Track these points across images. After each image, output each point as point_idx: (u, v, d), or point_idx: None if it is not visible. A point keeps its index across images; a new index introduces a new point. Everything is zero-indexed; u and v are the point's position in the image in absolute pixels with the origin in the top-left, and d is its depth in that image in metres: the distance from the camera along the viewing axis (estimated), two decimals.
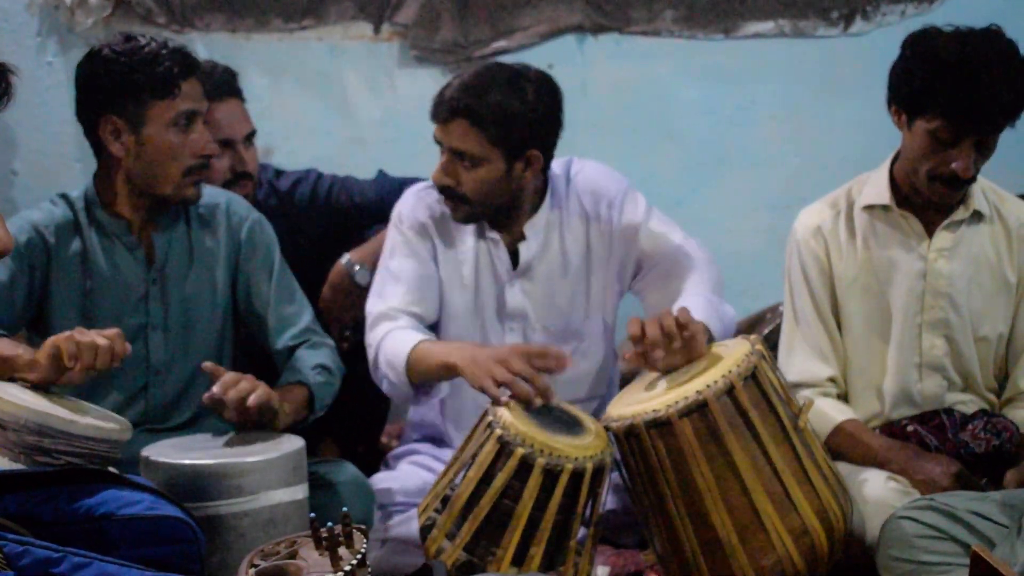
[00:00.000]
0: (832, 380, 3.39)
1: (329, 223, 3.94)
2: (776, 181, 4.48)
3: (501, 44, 4.44)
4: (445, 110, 3.33)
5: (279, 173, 4.03)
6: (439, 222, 3.51)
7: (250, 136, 3.84)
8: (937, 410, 3.32)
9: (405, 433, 3.71)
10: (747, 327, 4.14)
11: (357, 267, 3.75)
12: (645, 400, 2.97)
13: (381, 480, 3.40)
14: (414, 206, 3.52)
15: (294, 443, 2.98)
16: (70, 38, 4.47)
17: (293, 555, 2.22)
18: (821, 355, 3.38)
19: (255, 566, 2.21)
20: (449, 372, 3.18)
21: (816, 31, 4.51)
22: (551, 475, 2.81)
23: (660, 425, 2.88)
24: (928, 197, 3.28)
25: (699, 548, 2.90)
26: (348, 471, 3.23)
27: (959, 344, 3.34)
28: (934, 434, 3.26)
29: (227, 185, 3.69)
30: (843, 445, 3.27)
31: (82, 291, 3.26)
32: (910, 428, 3.30)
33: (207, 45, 4.44)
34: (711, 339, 3.17)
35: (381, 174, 4.05)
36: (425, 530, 2.92)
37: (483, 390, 3.00)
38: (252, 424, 3.03)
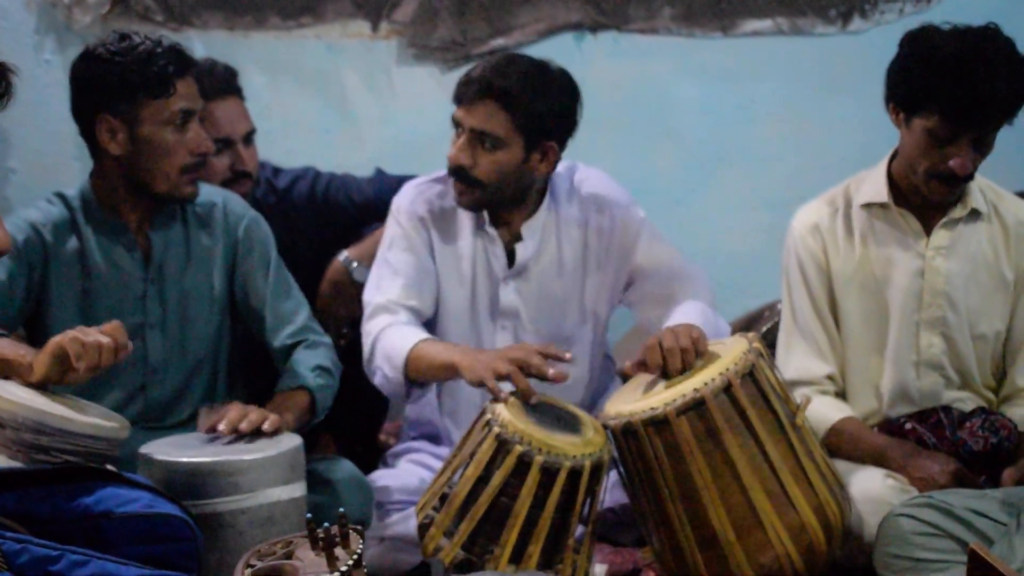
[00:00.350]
0: (830, 378, 3.39)
1: (327, 221, 3.94)
2: (774, 179, 4.48)
3: (499, 42, 4.44)
4: (474, 89, 3.33)
5: (277, 171, 4.03)
6: (438, 216, 3.51)
7: (250, 135, 3.84)
8: (935, 408, 3.32)
9: (403, 431, 3.72)
10: (745, 325, 4.14)
11: (355, 264, 3.75)
12: (643, 398, 2.97)
13: (379, 478, 3.41)
14: (413, 199, 3.53)
15: (292, 441, 2.99)
16: (68, 36, 4.48)
17: (289, 555, 2.23)
18: (819, 353, 3.39)
19: (251, 566, 2.22)
20: (450, 372, 3.19)
21: (814, 29, 4.52)
22: (549, 473, 2.81)
23: (658, 423, 2.88)
24: (926, 195, 3.29)
25: (697, 546, 2.91)
26: (346, 469, 3.23)
27: (957, 342, 3.34)
28: (932, 432, 3.27)
29: (226, 184, 3.69)
30: (841, 443, 3.27)
31: (80, 290, 3.26)
32: (908, 426, 3.30)
33: (205, 43, 4.44)
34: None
35: (379, 172, 4.05)
36: (423, 528, 2.92)
37: (482, 384, 3.01)
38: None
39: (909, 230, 3.35)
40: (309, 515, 2.33)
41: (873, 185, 3.39)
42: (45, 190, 3.40)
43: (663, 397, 2.91)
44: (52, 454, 2.65)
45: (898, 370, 3.35)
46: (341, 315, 3.77)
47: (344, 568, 2.15)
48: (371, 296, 3.47)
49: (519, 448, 2.81)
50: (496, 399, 2.96)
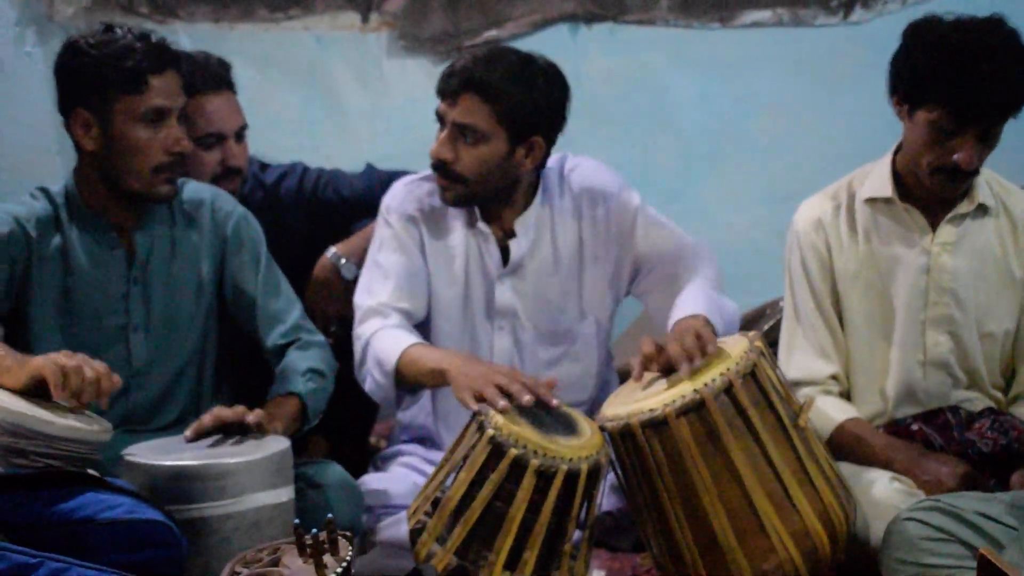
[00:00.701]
0: (834, 378, 3.36)
1: (316, 217, 3.91)
2: (775, 173, 4.48)
3: (492, 34, 4.43)
4: (456, 82, 3.31)
5: (265, 167, 4.00)
6: (429, 215, 3.49)
7: (241, 131, 3.81)
8: (942, 408, 3.30)
9: (394, 434, 3.70)
10: (746, 323, 4.12)
11: (343, 261, 3.72)
12: (641, 399, 2.94)
13: (370, 482, 3.38)
14: (404, 198, 3.51)
15: (279, 444, 2.95)
16: (50, 28, 4.44)
17: (276, 562, 2.20)
18: (822, 352, 3.36)
19: (237, 574, 2.19)
20: (439, 379, 3.16)
21: (815, 20, 4.51)
22: (545, 477, 2.78)
23: (656, 425, 2.85)
24: (931, 190, 3.26)
25: (697, 551, 2.88)
26: (335, 473, 3.19)
27: (964, 341, 3.31)
28: (939, 433, 3.24)
29: (215, 180, 3.66)
30: (846, 444, 3.24)
31: (62, 288, 3.22)
32: (915, 427, 3.27)
33: (191, 36, 4.42)
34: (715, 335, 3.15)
35: (369, 167, 4.02)
36: (415, 533, 2.88)
37: (462, 402, 2.98)
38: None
39: (914, 226, 3.33)
40: (297, 520, 2.30)
41: (877, 179, 3.36)
42: (25, 186, 3.37)
43: (662, 398, 2.88)
44: (31, 458, 2.63)
45: (904, 370, 3.32)
46: (329, 312, 3.74)
47: (333, 575, 2.12)
48: (362, 300, 3.44)
49: (514, 451, 2.77)
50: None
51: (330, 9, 4.50)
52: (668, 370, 3.02)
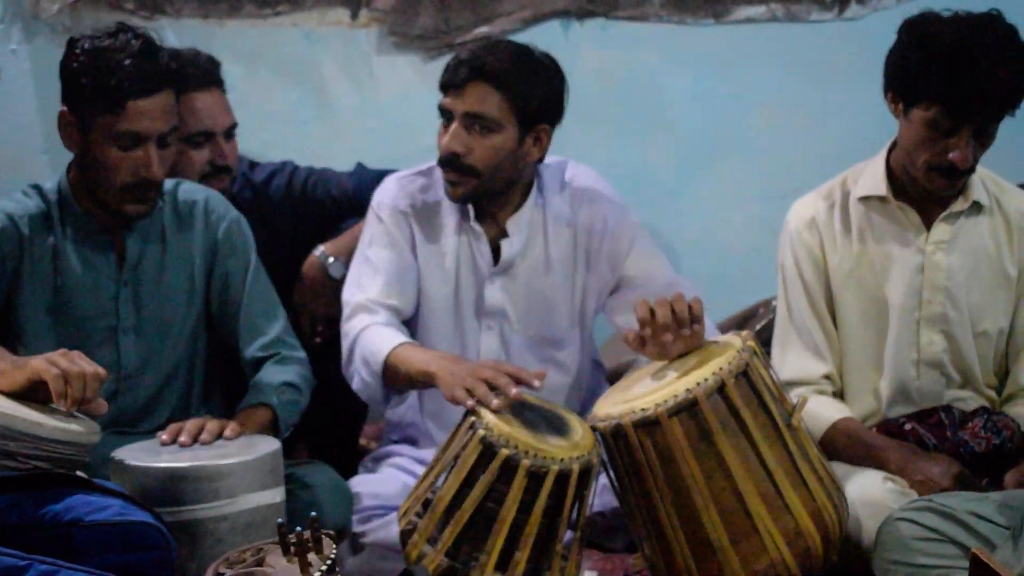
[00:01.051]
0: (827, 377, 3.39)
1: (305, 217, 3.93)
2: (769, 171, 4.48)
3: (483, 30, 4.44)
4: (465, 71, 3.33)
5: (253, 165, 4.02)
6: (420, 211, 3.50)
7: (231, 129, 3.83)
8: (936, 408, 3.32)
9: (384, 435, 3.71)
10: (739, 322, 4.15)
11: (331, 259, 3.74)
12: (633, 399, 2.97)
13: (359, 483, 3.39)
14: (395, 194, 3.52)
15: (271, 444, 3.00)
16: (35, 25, 4.45)
17: (260, 562, 2.23)
18: (816, 351, 3.39)
19: (221, 575, 2.21)
20: (426, 380, 3.18)
21: (810, 15, 4.51)
22: (536, 477, 2.80)
23: (648, 424, 2.88)
24: (925, 188, 3.29)
25: (689, 551, 2.90)
26: (325, 473, 3.23)
27: (958, 340, 3.35)
28: (933, 432, 3.27)
29: (204, 178, 3.68)
30: (839, 444, 3.27)
31: (52, 288, 3.24)
32: (908, 426, 3.30)
33: (178, 32, 4.42)
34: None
35: (359, 166, 4.04)
36: (405, 535, 2.91)
37: (454, 400, 2.99)
38: None
39: (909, 224, 3.35)
40: (281, 520, 2.33)
41: (871, 178, 3.39)
42: (12, 184, 3.39)
43: (654, 398, 2.91)
44: (20, 460, 2.64)
45: (898, 369, 3.35)
46: (317, 312, 3.76)
47: (318, 574, 2.15)
48: (350, 295, 3.46)
49: (505, 451, 2.80)
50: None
51: (319, 5, 4.50)
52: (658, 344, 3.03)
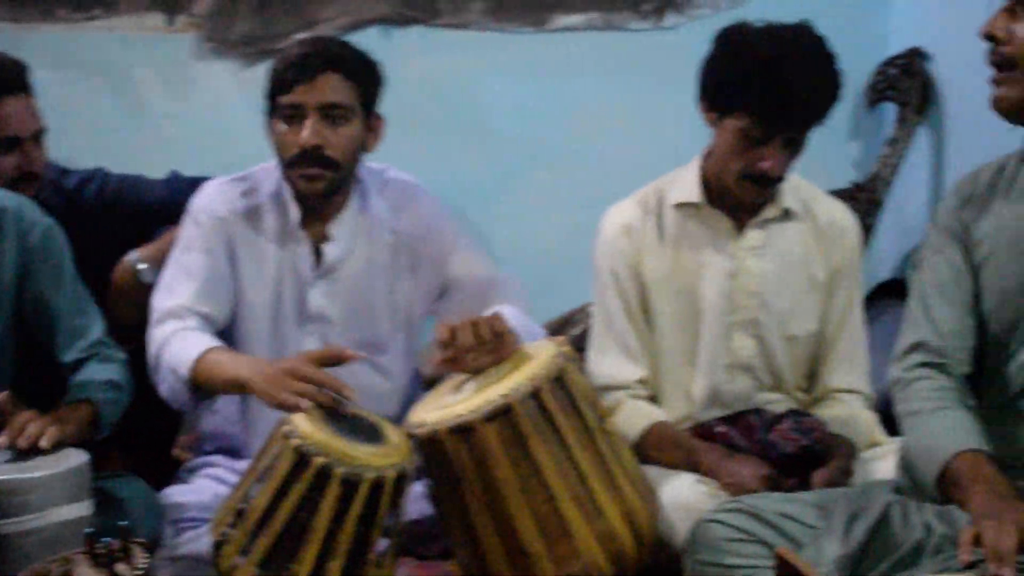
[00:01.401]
0: (642, 382, 3.45)
1: (118, 225, 3.88)
2: (588, 178, 4.53)
3: (303, 37, 4.42)
4: (317, 62, 3.32)
5: (65, 172, 3.96)
6: (240, 216, 3.47)
7: (38, 134, 3.78)
8: (747, 410, 3.39)
9: (199, 444, 3.68)
10: (556, 328, 4.19)
11: (142, 266, 3.71)
12: (448, 405, 2.99)
13: (172, 495, 3.35)
14: (214, 199, 3.49)
15: (79, 457, 2.95)
16: None
17: (67, 574, 2.21)
18: (630, 356, 3.44)
19: None
20: (238, 388, 3.16)
21: (628, 24, 4.58)
22: (350, 485, 2.81)
23: (464, 431, 2.90)
24: (738, 195, 3.37)
25: (504, 557, 2.93)
26: (135, 486, 3.20)
27: (769, 344, 3.43)
28: (743, 435, 3.33)
29: (11, 185, 3.61)
30: (652, 448, 3.32)
31: None
32: (719, 429, 3.36)
33: None
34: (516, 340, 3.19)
35: (174, 174, 4.01)
36: (218, 546, 2.89)
37: (280, 406, 2.98)
38: None
39: (721, 230, 3.43)
40: (90, 529, 2.31)
41: (685, 185, 3.46)
42: None
43: (469, 404, 2.93)
44: None
45: (710, 373, 3.42)
46: (128, 319, 3.71)
47: None
48: (160, 301, 3.41)
49: (319, 460, 2.80)
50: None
51: (135, 10, 4.45)
52: (471, 366, 3.06)
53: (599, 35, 4.58)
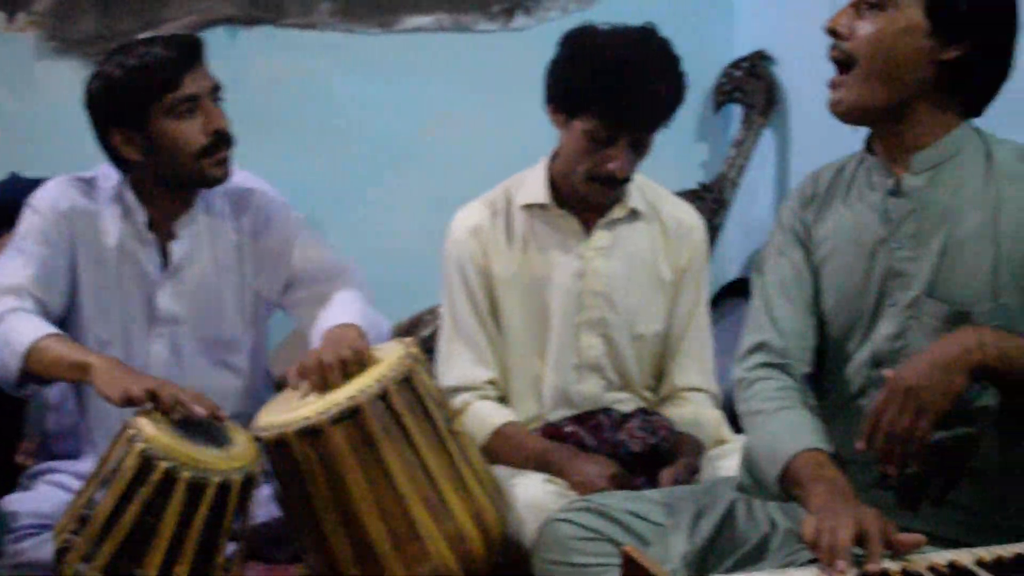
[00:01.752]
0: (491, 382, 3.47)
1: None
2: (438, 179, 4.54)
3: (145, 37, 4.36)
4: (192, 52, 3.30)
5: None
6: (82, 216, 3.40)
7: None
8: (595, 410, 3.43)
9: (42, 449, 3.62)
10: (405, 329, 4.21)
11: None
12: (296, 408, 2.99)
13: (12, 502, 3.29)
14: (56, 195, 3.41)
15: None
16: None
17: None
18: (480, 357, 3.46)
19: None
20: (79, 373, 3.09)
21: (477, 26, 4.60)
22: (197, 489, 2.80)
23: (312, 433, 2.90)
24: (586, 196, 3.41)
25: (353, 559, 2.93)
26: None
27: (617, 343, 3.47)
28: (592, 434, 3.37)
29: None
30: (501, 448, 3.35)
31: None
32: (568, 429, 3.39)
33: None
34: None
35: (12, 176, 3.95)
36: (61, 553, 2.85)
37: (122, 396, 2.94)
38: None
39: (569, 231, 3.47)
40: None
41: (533, 186, 3.49)
42: None
43: (317, 406, 2.93)
44: None
45: (559, 373, 3.46)
46: None
47: None
48: None
49: (164, 464, 2.78)
50: (140, 412, 2.93)
51: None
52: (324, 381, 3.07)
53: (448, 36, 4.60)
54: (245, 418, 3.35)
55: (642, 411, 3.43)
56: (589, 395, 3.46)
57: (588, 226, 3.47)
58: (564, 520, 2.90)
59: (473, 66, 4.61)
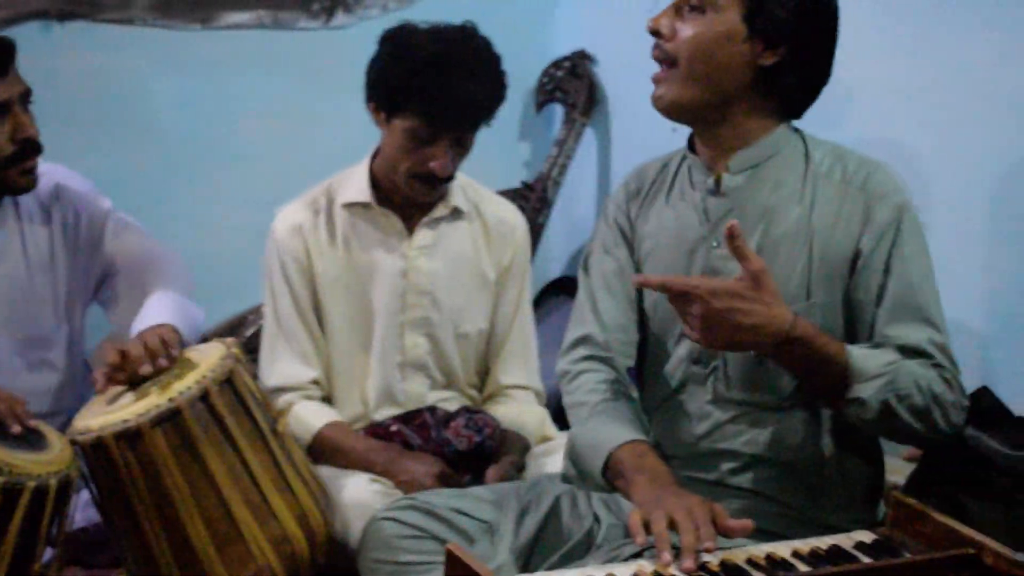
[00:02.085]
0: (315, 383, 3.46)
1: None
2: (259, 178, 4.50)
3: None
4: (5, 56, 3.22)
5: None
6: None
7: None
8: (421, 409, 3.44)
9: None
10: (229, 330, 4.17)
11: None
12: (114, 410, 2.95)
13: None
14: None
15: None
16: None
17: None
18: (303, 358, 3.45)
19: None
20: None
21: (297, 23, 4.57)
22: (11, 494, 2.75)
23: (130, 436, 2.87)
24: (408, 195, 3.42)
25: (174, 563, 2.91)
26: None
27: (441, 342, 3.49)
28: (417, 433, 3.38)
29: None
30: (326, 449, 3.35)
31: None
32: (394, 428, 3.40)
33: None
34: (182, 342, 3.18)
35: None
36: None
37: None
38: None
39: (392, 230, 3.47)
40: None
41: (355, 185, 3.49)
42: None
43: (136, 408, 2.90)
44: None
45: (383, 372, 3.46)
46: None
47: None
48: None
49: None
50: None
51: None
52: (136, 378, 3.03)
53: (268, 33, 4.55)
54: (64, 414, 3.32)
55: (467, 409, 3.45)
56: (414, 394, 3.48)
57: (410, 225, 3.48)
58: (389, 519, 2.89)
59: (293, 64, 4.58)
